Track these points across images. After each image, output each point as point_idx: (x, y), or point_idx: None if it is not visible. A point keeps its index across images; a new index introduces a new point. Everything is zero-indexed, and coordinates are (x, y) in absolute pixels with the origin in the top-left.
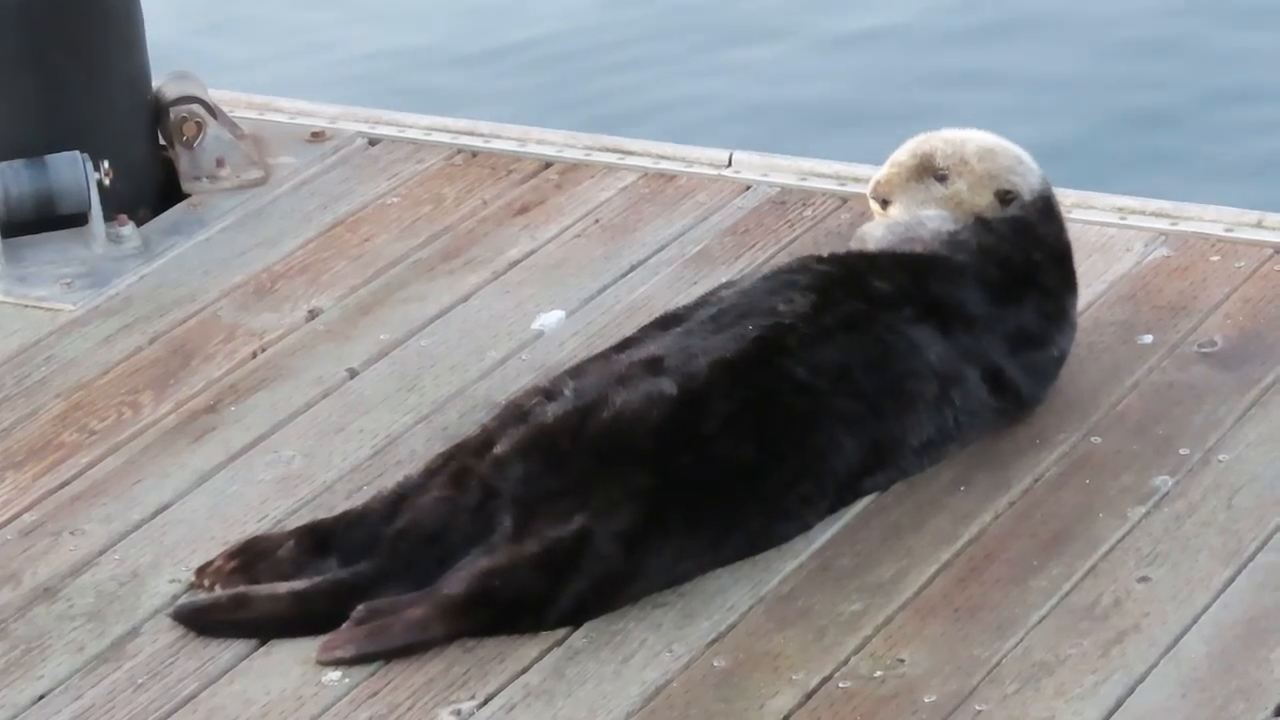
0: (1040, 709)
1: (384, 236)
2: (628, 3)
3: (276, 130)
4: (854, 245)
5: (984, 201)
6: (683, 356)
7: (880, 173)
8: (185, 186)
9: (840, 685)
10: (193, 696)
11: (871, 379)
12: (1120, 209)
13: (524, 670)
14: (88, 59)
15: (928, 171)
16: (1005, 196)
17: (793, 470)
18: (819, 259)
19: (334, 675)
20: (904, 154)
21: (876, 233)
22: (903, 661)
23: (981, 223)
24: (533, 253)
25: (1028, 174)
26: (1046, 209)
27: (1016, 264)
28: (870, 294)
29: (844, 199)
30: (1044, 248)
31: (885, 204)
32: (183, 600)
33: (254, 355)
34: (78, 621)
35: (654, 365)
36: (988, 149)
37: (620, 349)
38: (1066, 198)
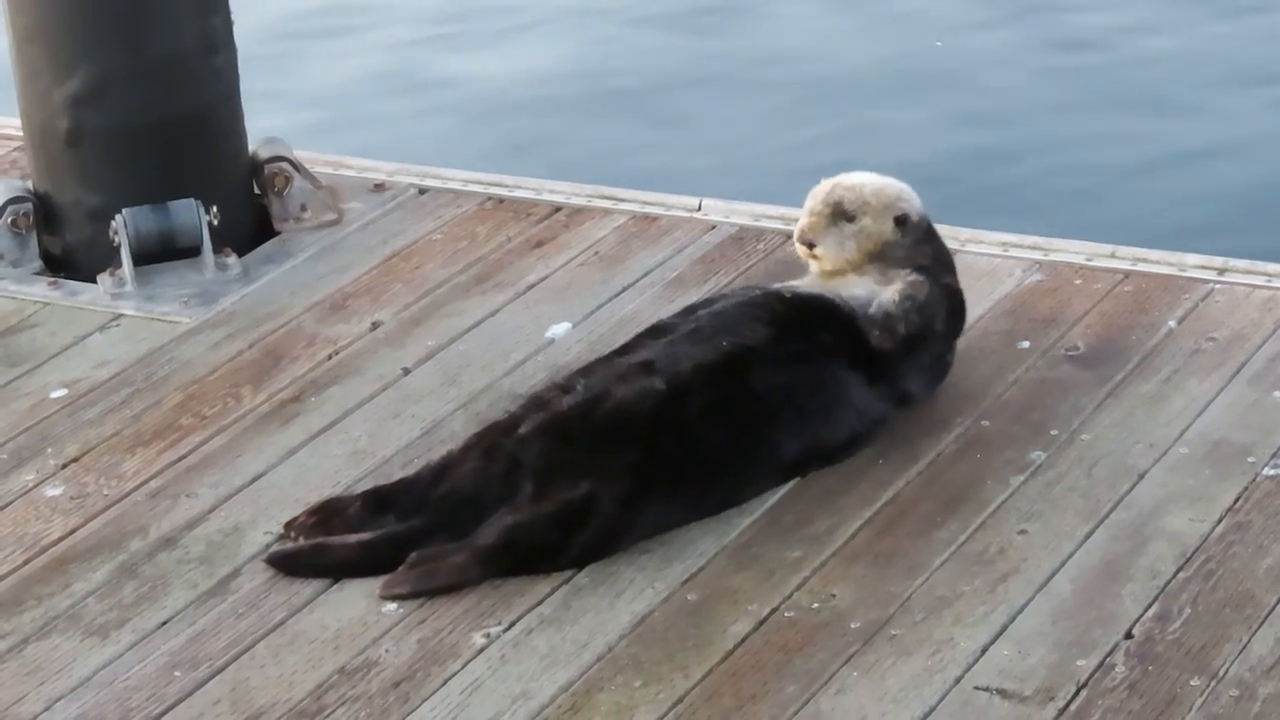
0: (941, 633)
1: (431, 265)
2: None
3: (347, 182)
4: (860, 300)
5: (887, 229)
6: (670, 361)
7: (802, 221)
8: (276, 226)
9: (785, 614)
10: (281, 623)
11: (809, 402)
12: (1003, 243)
13: (539, 603)
14: (203, 140)
15: (840, 215)
16: (901, 220)
17: (749, 456)
18: (781, 299)
19: (392, 607)
20: (818, 203)
21: (886, 297)
22: (834, 596)
23: (929, 275)
24: (546, 277)
25: (912, 200)
26: (929, 227)
27: (953, 299)
28: (816, 340)
29: (788, 235)
30: (949, 267)
31: (811, 245)
32: (274, 548)
33: (329, 357)
34: (192, 565)
35: (647, 367)
36: (879, 187)
37: (620, 354)
38: (961, 234)
